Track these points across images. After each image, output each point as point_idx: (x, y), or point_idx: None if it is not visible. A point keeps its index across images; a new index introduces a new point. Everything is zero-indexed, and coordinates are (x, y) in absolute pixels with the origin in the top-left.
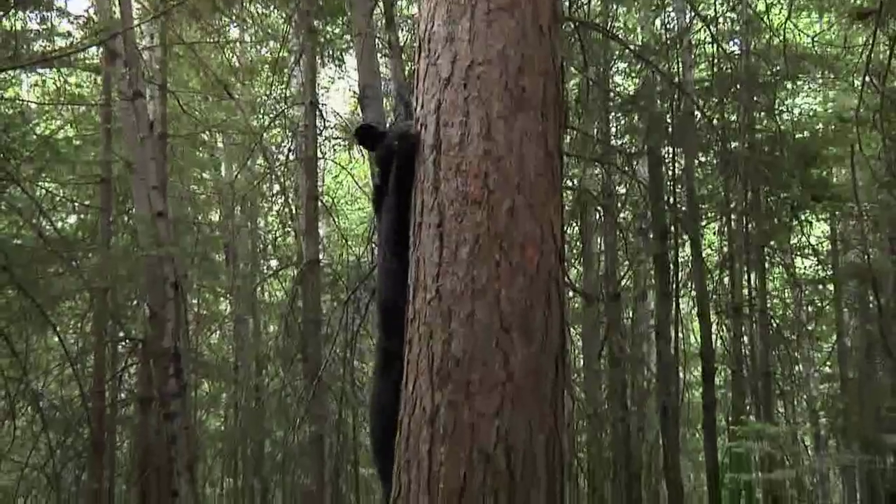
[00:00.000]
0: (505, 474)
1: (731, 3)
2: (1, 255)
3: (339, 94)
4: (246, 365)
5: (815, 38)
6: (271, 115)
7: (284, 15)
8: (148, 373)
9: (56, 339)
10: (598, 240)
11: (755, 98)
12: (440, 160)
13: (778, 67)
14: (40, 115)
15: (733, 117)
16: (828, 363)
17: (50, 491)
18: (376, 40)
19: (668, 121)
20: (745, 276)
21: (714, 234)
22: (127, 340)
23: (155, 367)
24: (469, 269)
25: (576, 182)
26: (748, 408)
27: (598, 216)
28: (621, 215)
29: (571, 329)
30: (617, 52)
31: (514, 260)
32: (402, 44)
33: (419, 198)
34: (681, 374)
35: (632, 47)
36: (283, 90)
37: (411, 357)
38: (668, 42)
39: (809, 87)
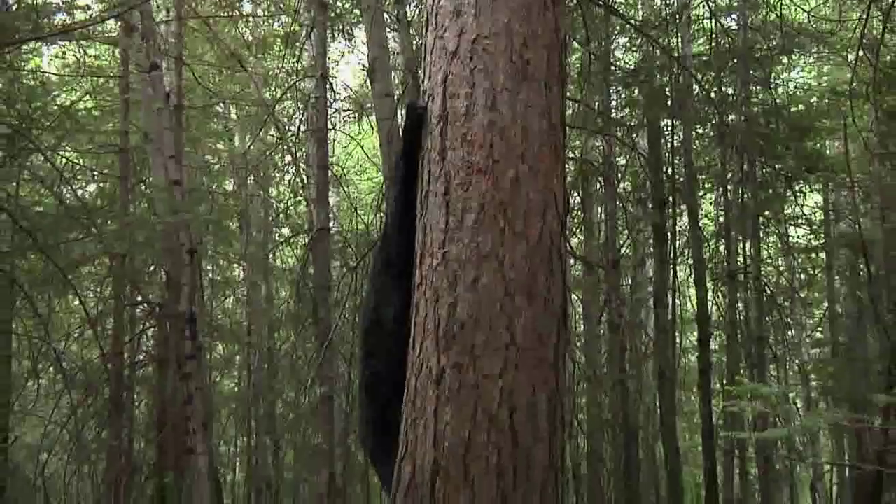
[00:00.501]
0: (508, 433)
1: None
2: (24, 221)
3: (349, 67)
4: (259, 328)
5: (811, 14)
6: (283, 88)
7: None
8: (164, 335)
9: (77, 302)
10: (599, 209)
11: (752, 72)
12: (447, 130)
13: (774, 42)
14: (60, 86)
15: (730, 91)
16: (819, 328)
17: (72, 447)
18: (385, 15)
19: (668, 94)
20: (741, 245)
21: (711, 203)
22: (144, 304)
23: (171, 330)
24: (474, 235)
25: (577, 153)
26: (742, 371)
27: (598, 186)
28: (621, 185)
29: (572, 295)
30: (618, 27)
31: (517, 227)
32: (410, 18)
33: (426, 167)
34: (677, 339)
35: (632, 22)
36: (295, 63)
37: (418, 320)
38: (668, 17)
39: (804, 62)
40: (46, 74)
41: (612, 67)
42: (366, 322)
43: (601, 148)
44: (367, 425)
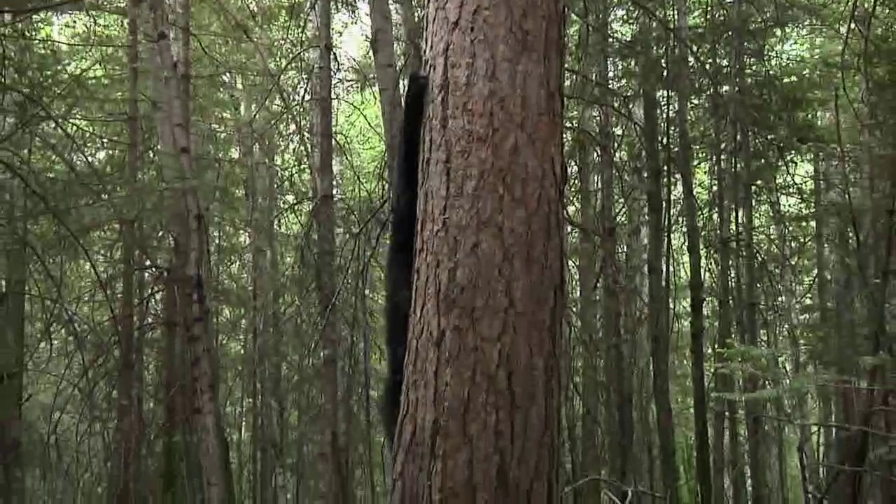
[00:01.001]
0: (506, 394)
1: None
2: (37, 186)
3: (352, 38)
4: (264, 293)
5: None
6: (288, 58)
7: None
8: (173, 299)
9: (88, 265)
10: (596, 178)
11: (745, 44)
12: (448, 99)
13: (768, 15)
14: (71, 55)
15: (724, 62)
16: (808, 295)
17: (83, 406)
18: None
19: (663, 65)
20: (733, 213)
21: (705, 172)
22: (153, 268)
23: (179, 294)
24: (474, 202)
25: (575, 123)
26: (733, 336)
27: (595, 155)
28: (617, 155)
29: (569, 261)
30: (615, 0)
31: (516, 194)
32: None
33: (427, 135)
34: (671, 305)
35: None
36: (300, 34)
37: (419, 284)
38: None
39: (797, 34)
40: (57, 44)
41: (610, 39)
42: (388, 306)
43: (598, 118)
44: (391, 406)
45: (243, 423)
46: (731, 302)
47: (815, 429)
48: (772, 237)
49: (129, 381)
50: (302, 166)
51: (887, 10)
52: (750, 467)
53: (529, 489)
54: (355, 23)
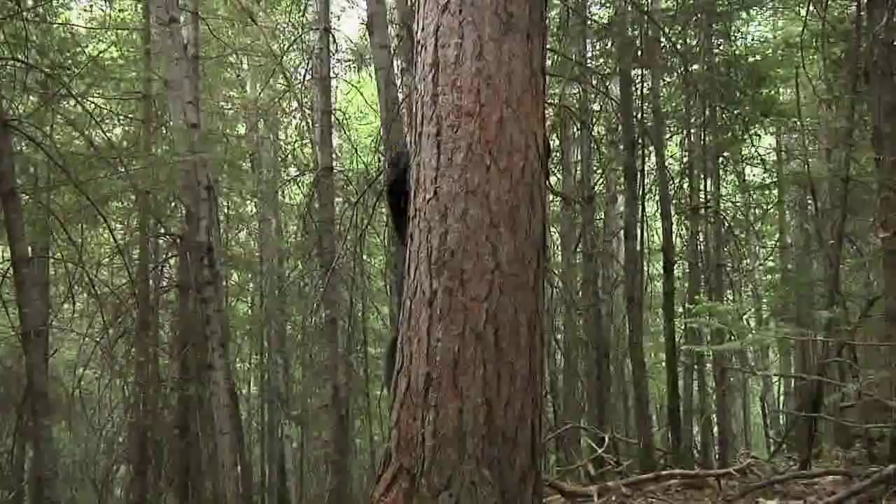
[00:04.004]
0: (493, 349)
1: None
2: (60, 159)
3: (350, 20)
4: (269, 258)
5: None
6: (290, 40)
7: None
8: (185, 264)
9: (107, 233)
10: (576, 150)
11: (713, 25)
12: (438, 77)
13: None
14: (89, 38)
15: (694, 43)
16: (771, 258)
17: (104, 362)
18: None
19: (638, 45)
20: (703, 182)
21: (676, 145)
22: (167, 235)
23: (191, 259)
24: (463, 172)
25: (556, 99)
26: (702, 294)
27: (575, 129)
28: (596, 129)
29: (551, 227)
30: None
31: (502, 165)
32: None
33: (419, 110)
34: (645, 267)
35: None
36: (300, 17)
37: (412, 248)
38: None
39: (761, 16)
40: (76, 27)
41: (588, 21)
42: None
43: (578, 95)
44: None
45: (251, 378)
46: (699, 264)
47: (775, 379)
48: (737, 204)
49: (145, 339)
50: (303, 141)
51: None
52: (717, 415)
53: (515, 435)
54: (352, 6)
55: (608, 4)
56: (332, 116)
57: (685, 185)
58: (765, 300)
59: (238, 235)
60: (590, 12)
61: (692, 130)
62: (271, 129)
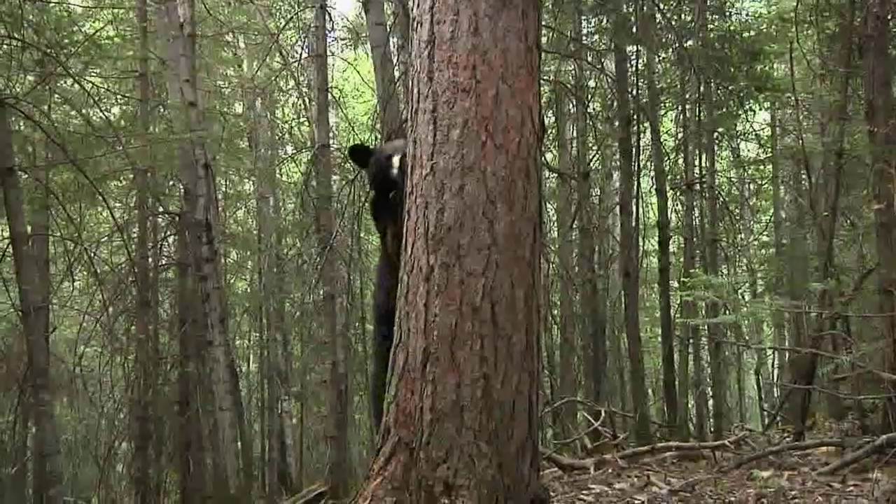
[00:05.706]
0: (490, 323)
1: None
2: (58, 137)
3: None
4: (267, 235)
5: None
6: (286, 18)
7: None
8: (184, 241)
9: (105, 211)
10: (571, 126)
11: (708, 1)
12: (434, 53)
13: None
14: (85, 16)
15: (689, 18)
16: (765, 232)
17: (105, 340)
18: None
19: (633, 22)
20: (697, 158)
21: (671, 121)
22: (166, 213)
23: (190, 237)
24: (459, 148)
25: (552, 75)
26: (697, 269)
27: (571, 106)
28: (591, 105)
29: (547, 203)
30: None
31: (498, 141)
32: None
33: (415, 87)
34: (641, 243)
35: None
36: None
37: (409, 224)
38: None
39: None
40: (72, 5)
41: None
42: (379, 312)
43: (573, 71)
44: (379, 388)
45: (251, 355)
46: (694, 239)
47: (770, 353)
48: (732, 180)
49: (145, 316)
50: (301, 119)
51: None
52: (711, 388)
53: (512, 409)
54: None
55: None
56: (329, 94)
57: (680, 161)
58: (759, 274)
59: (236, 213)
60: None
61: (687, 106)
62: (268, 107)
